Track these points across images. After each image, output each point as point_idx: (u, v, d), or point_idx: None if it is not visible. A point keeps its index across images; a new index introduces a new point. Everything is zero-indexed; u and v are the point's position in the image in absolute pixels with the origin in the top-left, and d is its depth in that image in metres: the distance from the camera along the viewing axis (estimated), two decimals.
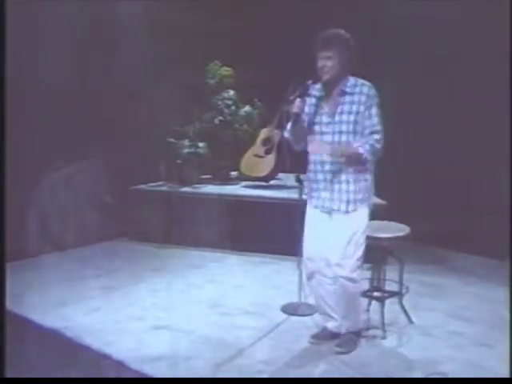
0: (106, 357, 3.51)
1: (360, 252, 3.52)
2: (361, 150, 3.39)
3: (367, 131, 3.45)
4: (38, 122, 5.35)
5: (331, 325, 3.74)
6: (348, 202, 3.50)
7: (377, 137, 3.44)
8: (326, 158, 3.52)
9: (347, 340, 3.65)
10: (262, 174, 6.24)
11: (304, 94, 3.47)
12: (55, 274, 5.00)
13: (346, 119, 3.47)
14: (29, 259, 5.19)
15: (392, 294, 4.02)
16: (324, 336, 3.75)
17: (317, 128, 3.55)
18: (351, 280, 3.51)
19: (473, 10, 5.25)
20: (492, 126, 5.23)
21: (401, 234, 3.84)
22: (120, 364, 3.42)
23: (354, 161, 3.44)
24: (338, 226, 3.52)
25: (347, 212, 3.51)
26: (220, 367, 3.40)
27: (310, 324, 3.96)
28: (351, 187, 3.50)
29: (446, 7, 5.45)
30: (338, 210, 3.52)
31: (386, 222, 4.03)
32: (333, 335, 3.73)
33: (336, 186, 3.51)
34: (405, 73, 5.63)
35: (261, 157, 6.29)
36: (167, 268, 5.39)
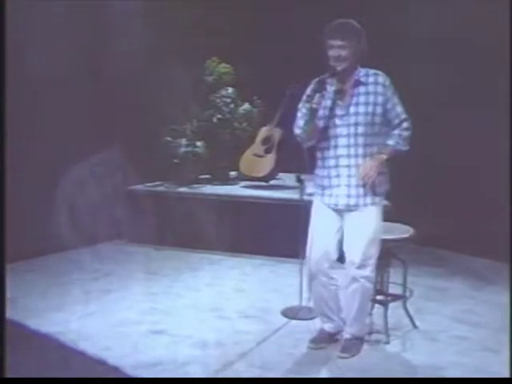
0: (101, 362, 3.43)
1: (378, 250, 3.46)
2: (398, 147, 3.41)
3: (396, 122, 3.41)
4: (37, 122, 5.30)
5: (328, 326, 3.68)
6: (366, 196, 3.40)
7: (406, 125, 3.42)
8: (340, 151, 3.40)
9: (351, 345, 3.57)
10: (262, 173, 6.17)
11: (322, 89, 3.35)
12: (49, 277, 4.96)
13: (362, 110, 3.36)
14: (22, 262, 5.12)
15: (396, 298, 3.96)
16: (322, 338, 3.68)
17: (328, 121, 3.42)
18: (371, 280, 3.47)
19: (473, 9, 5.22)
20: (492, 126, 5.17)
21: (405, 235, 3.78)
22: (116, 369, 3.34)
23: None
24: (357, 225, 3.41)
25: (366, 206, 3.40)
26: (218, 373, 3.33)
27: (311, 328, 3.87)
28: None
29: (446, 6, 5.43)
30: (356, 206, 3.40)
31: (389, 223, 3.95)
32: (331, 337, 3.68)
33: (353, 181, 3.40)
34: (405, 73, 5.57)
35: (260, 156, 6.22)
36: (164, 271, 5.32)
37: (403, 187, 5.46)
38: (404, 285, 3.92)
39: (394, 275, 3.94)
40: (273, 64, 6.52)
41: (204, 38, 6.42)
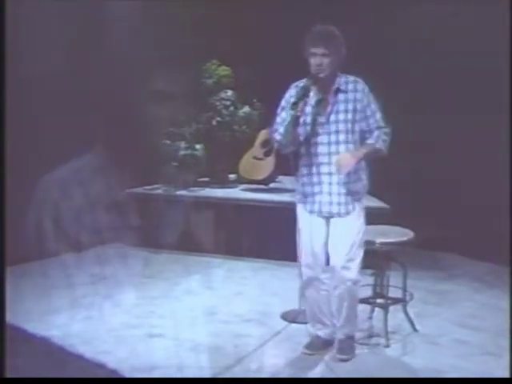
0: (99, 366, 3.42)
1: (362, 252, 3.47)
2: (377, 145, 3.40)
3: (374, 126, 3.42)
4: (38, 124, 5.28)
5: (323, 332, 3.67)
6: (347, 203, 3.42)
7: (386, 130, 3.43)
8: (322, 159, 3.41)
9: (346, 345, 3.57)
10: (261, 176, 6.14)
11: (307, 96, 3.35)
12: (47, 281, 4.91)
13: (342, 118, 3.38)
14: (19, 266, 5.08)
15: (395, 301, 3.93)
16: (318, 345, 3.66)
17: (309, 128, 3.43)
18: (357, 282, 3.47)
19: (472, 9, 5.21)
20: (492, 129, 5.15)
21: (404, 238, 3.76)
22: (114, 373, 3.33)
23: (373, 156, 3.43)
24: (340, 229, 3.44)
25: (348, 214, 3.43)
26: (217, 376, 3.31)
27: (309, 332, 3.83)
28: (351, 187, 3.42)
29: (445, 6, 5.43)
30: (339, 214, 3.43)
31: (389, 227, 3.95)
32: (325, 343, 3.66)
33: (335, 189, 3.41)
34: (404, 73, 5.58)
35: (260, 159, 6.19)
36: (163, 274, 5.30)
37: (403, 190, 5.48)
38: (404, 288, 3.90)
39: (394, 278, 3.92)
40: (273, 66, 6.50)
41: (203, 40, 6.40)
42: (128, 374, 3.32)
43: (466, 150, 5.36)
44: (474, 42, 5.21)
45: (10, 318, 3.76)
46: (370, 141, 3.42)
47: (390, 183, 5.09)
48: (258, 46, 6.71)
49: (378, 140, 3.41)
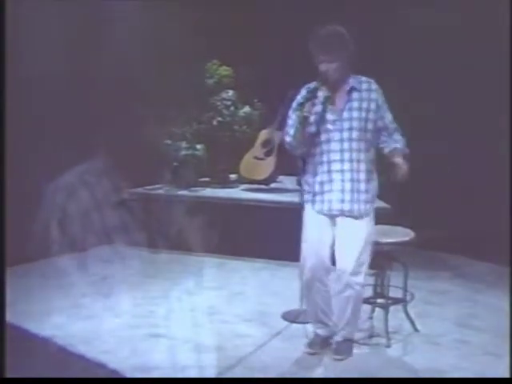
0: (100, 366, 3.42)
1: (370, 255, 3.46)
2: (406, 150, 3.46)
3: (392, 126, 3.47)
4: (38, 125, 5.29)
5: (322, 331, 3.67)
6: (360, 202, 3.40)
7: (399, 130, 3.50)
8: (333, 156, 3.40)
9: (344, 347, 3.56)
10: (262, 176, 6.14)
11: (314, 97, 3.34)
12: (47, 281, 4.92)
13: (356, 116, 3.37)
14: (19, 266, 5.08)
15: (396, 301, 3.93)
16: (318, 342, 3.66)
17: (320, 126, 3.41)
18: (363, 285, 3.48)
19: (473, 9, 5.22)
20: (492, 130, 5.15)
21: (406, 238, 3.75)
22: (115, 373, 3.33)
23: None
24: (351, 231, 3.41)
25: (360, 214, 3.41)
26: (218, 376, 3.30)
27: (310, 331, 3.83)
28: (363, 186, 3.41)
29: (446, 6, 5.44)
30: (350, 212, 3.40)
31: (390, 227, 3.93)
32: (325, 340, 3.66)
33: (347, 186, 3.39)
34: (404, 73, 5.58)
35: (261, 159, 6.19)
36: (164, 274, 5.30)
37: (404, 190, 5.46)
38: (405, 288, 3.89)
39: (395, 278, 3.91)
40: (273, 66, 6.51)
41: (204, 39, 6.40)
42: (129, 374, 3.31)
43: (466, 150, 5.36)
44: (474, 42, 5.21)
45: (10, 317, 3.77)
46: (397, 145, 3.45)
47: (390, 183, 5.08)
48: (258, 46, 6.71)
49: (403, 144, 3.47)
